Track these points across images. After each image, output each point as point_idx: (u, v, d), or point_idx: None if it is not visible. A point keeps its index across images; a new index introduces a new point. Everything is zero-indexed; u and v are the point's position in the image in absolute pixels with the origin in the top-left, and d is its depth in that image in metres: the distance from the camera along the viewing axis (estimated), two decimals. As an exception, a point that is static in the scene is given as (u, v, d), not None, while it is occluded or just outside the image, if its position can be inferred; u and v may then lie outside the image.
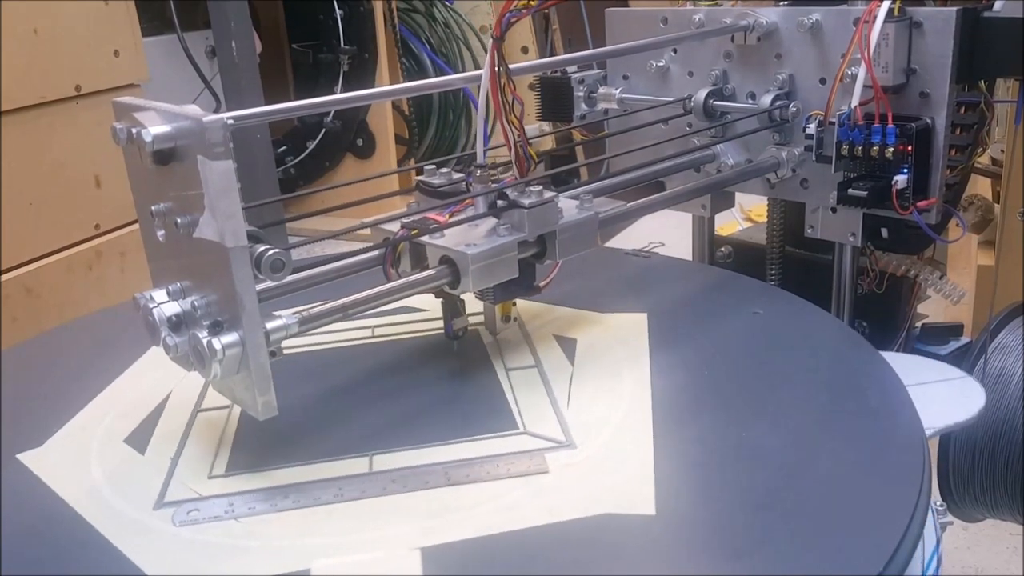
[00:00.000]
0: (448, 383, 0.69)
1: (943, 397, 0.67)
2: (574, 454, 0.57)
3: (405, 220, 0.66)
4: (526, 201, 0.64)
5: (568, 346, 0.72)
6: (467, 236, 0.64)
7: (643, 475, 0.54)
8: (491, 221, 0.66)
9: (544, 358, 0.70)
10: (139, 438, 0.64)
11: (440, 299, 0.70)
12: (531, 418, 0.62)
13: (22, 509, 0.56)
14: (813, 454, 0.56)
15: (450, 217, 0.65)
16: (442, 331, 0.73)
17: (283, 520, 0.52)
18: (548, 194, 0.65)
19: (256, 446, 0.61)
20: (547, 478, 0.54)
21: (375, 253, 0.64)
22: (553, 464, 0.56)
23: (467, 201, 0.67)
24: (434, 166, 0.71)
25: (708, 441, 0.58)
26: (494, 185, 0.66)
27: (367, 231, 0.69)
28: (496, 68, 0.63)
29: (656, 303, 0.79)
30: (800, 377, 0.67)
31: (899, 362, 0.67)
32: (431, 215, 0.66)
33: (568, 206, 0.68)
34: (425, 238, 0.64)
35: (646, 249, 0.92)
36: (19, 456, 0.62)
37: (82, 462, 0.61)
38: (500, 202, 0.66)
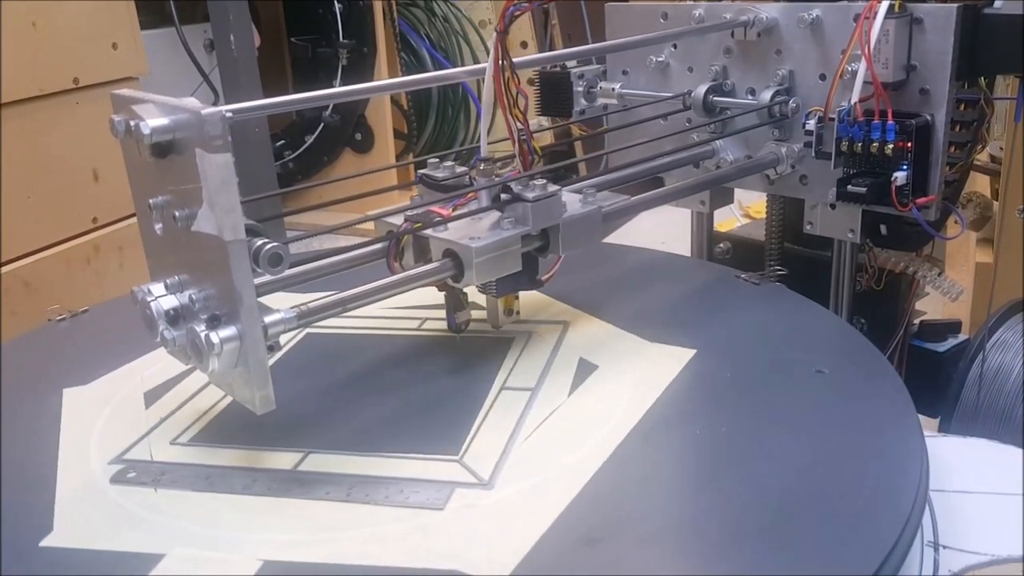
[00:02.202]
0: (438, 389, 0.68)
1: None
2: (484, 496, 0.54)
3: (408, 213, 0.66)
4: (530, 195, 0.64)
5: (584, 373, 0.67)
6: (471, 229, 0.64)
7: (528, 535, 0.49)
8: (494, 215, 0.66)
9: (549, 382, 0.67)
10: (156, 393, 0.69)
11: (443, 292, 0.70)
12: (478, 446, 0.59)
13: (23, 440, 0.64)
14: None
15: (453, 211, 0.66)
16: (491, 332, 0.73)
17: (188, 499, 0.56)
18: (552, 188, 0.65)
19: (228, 420, 0.64)
20: (436, 516, 0.52)
21: (378, 246, 0.64)
22: (456, 502, 0.53)
23: (471, 195, 0.67)
24: (437, 159, 0.71)
25: (643, 509, 0.53)
26: (498, 179, 0.66)
27: (366, 225, 0.69)
28: (500, 62, 0.63)
29: (717, 340, 0.71)
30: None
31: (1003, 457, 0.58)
32: (434, 208, 0.66)
33: (571, 200, 0.68)
34: (429, 231, 0.64)
35: (758, 274, 0.82)
36: (64, 390, 0.70)
37: (99, 407, 0.68)
38: (504, 196, 0.66)
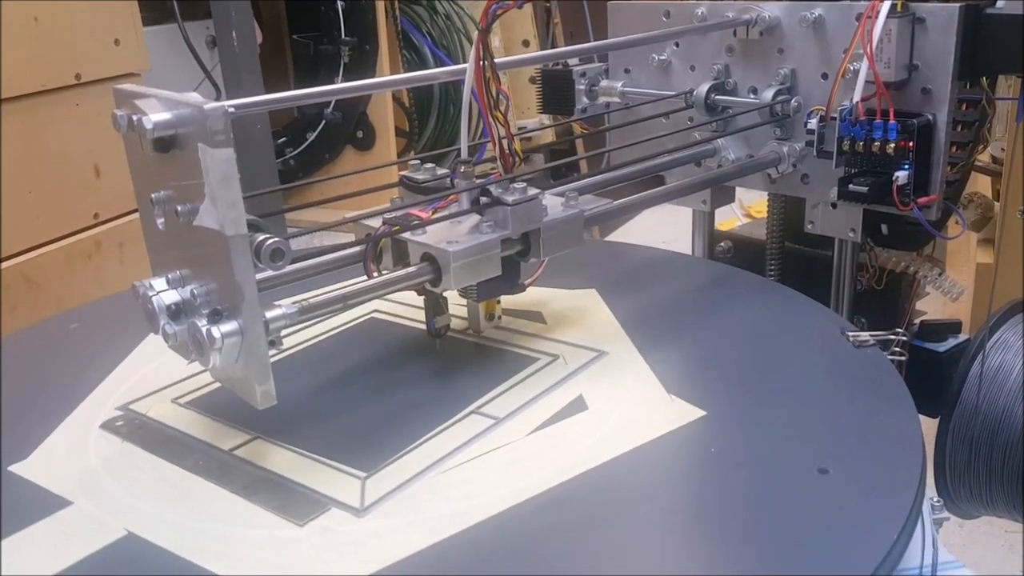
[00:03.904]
0: (420, 397, 0.66)
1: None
2: (349, 522, 0.52)
3: (387, 216, 0.65)
4: (510, 198, 0.63)
5: (569, 410, 0.62)
6: (449, 233, 0.63)
7: (355, 569, 0.47)
8: (474, 218, 0.64)
9: (522, 415, 0.62)
10: None
11: (423, 297, 0.70)
12: (395, 468, 0.56)
13: (75, 375, 0.71)
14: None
15: (433, 214, 0.64)
16: (522, 348, 0.72)
17: (132, 457, 0.59)
18: (532, 191, 0.64)
19: (224, 392, 0.63)
20: (290, 532, 0.51)
21: (356, 249, 0.63)
22: (319, 523, 0.52)
23: (451, 197, 0.66)
24: (418, 161, 0.70)
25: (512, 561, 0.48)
26: (478, 181, 0.65)
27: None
28: (481, 61, 0.62)
29: (738, 404, 0.62)
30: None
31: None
32: (413, 211, 0.64)
33: (553, 203, 0.67)
34: (407, 235, 0.63)
35: (864, 336, 0.68)
36: (151, 335, 0.73)
37: (157, 355, 0.71)
38: (483, 199, 0.64)
